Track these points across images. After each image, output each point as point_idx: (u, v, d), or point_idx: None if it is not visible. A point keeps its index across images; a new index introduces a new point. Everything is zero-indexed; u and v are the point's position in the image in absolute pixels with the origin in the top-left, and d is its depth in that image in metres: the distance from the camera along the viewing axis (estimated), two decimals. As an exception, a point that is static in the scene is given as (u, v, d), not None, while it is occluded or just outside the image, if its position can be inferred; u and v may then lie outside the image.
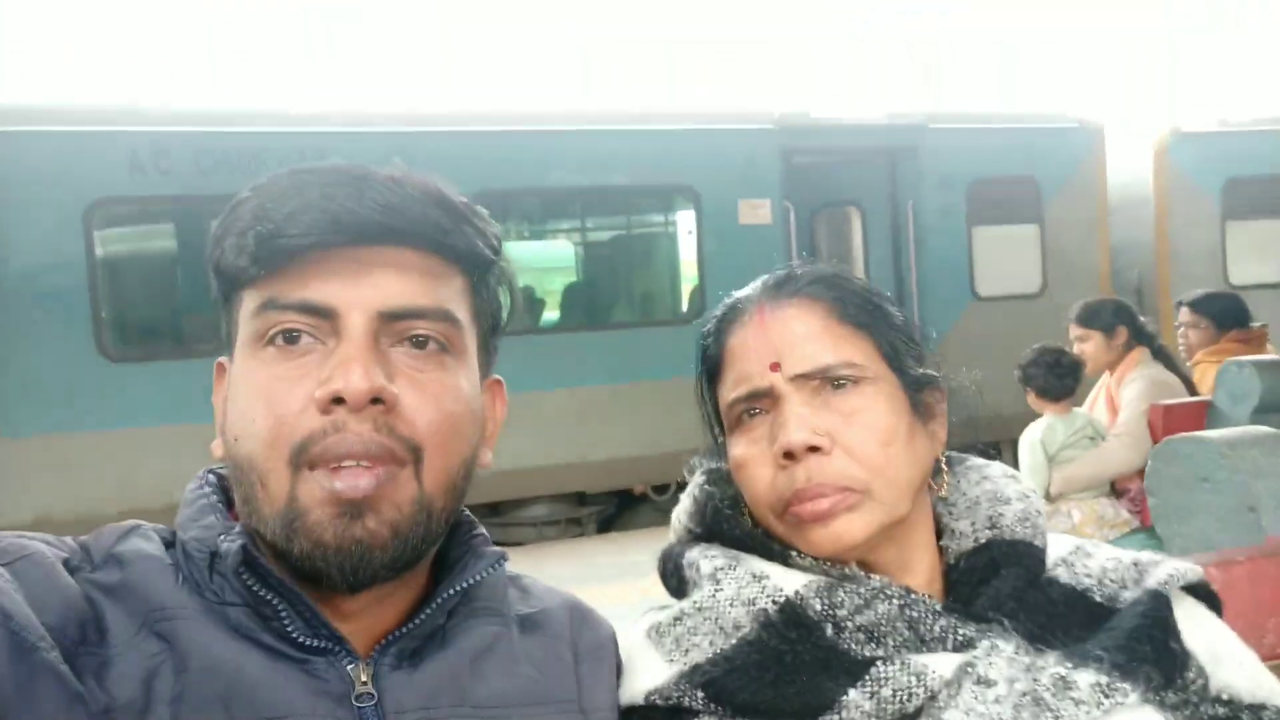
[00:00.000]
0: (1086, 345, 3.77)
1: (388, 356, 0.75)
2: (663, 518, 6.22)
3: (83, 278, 5.61)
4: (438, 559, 0.85)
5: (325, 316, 0.74)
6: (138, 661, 0.70)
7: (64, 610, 0.70)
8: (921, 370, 0.93)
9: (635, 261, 7.62)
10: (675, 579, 0.96)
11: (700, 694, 0.83)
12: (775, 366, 0.89)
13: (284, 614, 0.74)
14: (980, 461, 0.99)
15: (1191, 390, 3.70)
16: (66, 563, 0.74)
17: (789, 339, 0.90)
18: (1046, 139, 7.79)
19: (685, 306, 7.34)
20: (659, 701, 0.85)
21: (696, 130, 6.89)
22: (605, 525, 7.23)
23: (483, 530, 0.88)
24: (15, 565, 0.71)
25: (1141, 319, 3.87)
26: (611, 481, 6.96)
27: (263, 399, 0.74)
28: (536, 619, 0.88)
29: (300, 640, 0.74)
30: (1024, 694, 0.77)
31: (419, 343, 0.76)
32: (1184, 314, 4.17)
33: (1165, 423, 3.17)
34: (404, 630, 0.78)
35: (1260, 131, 8.50)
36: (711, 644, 0.86)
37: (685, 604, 0.91)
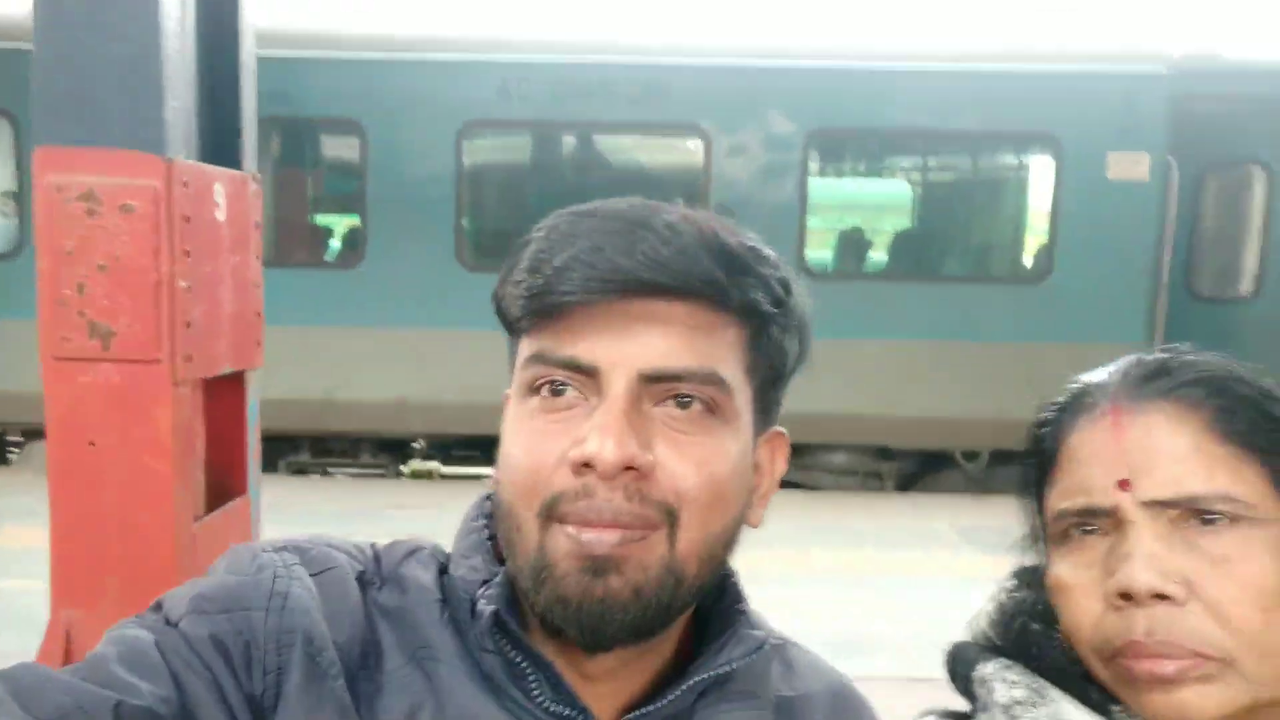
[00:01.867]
0: None
1: (649, 416, 0.72)
2: (968, 484, 5.94)
3: (450, 196, 6.25)
4: (697, 627, 0.81)
5: (589, 374, 0.72)
6: (405, 696, 0.73)
7: (353, 630, 0.74)
8: None
9: (976, 212, 7.07)
10: (963, 684, 0.84)
11: None
12: (1126, 484, 0.72)
13: (532, 678, 0.74)
14: None
15: None
16: (361, 576, 0.78)
17: (1150, 453, 0.73)
18: None
19: (1030, 265, 6.74)
20: None
21: (1064, 72, 6.16)
22: (906, 484, 6.98)
23: (747, 607, 0.82)
24: (322, 577, 0.75)
25: None
26: (919, 440, 6.68)
27: (523, 449, 0.74)
28: (796, 704, 0.83)
29: (545, 705, 0.74)
30: None
31: (683, 403, 0.73)
32: None
33: None
34: (649, 709, 0.76)
35: None
36: None
37: None
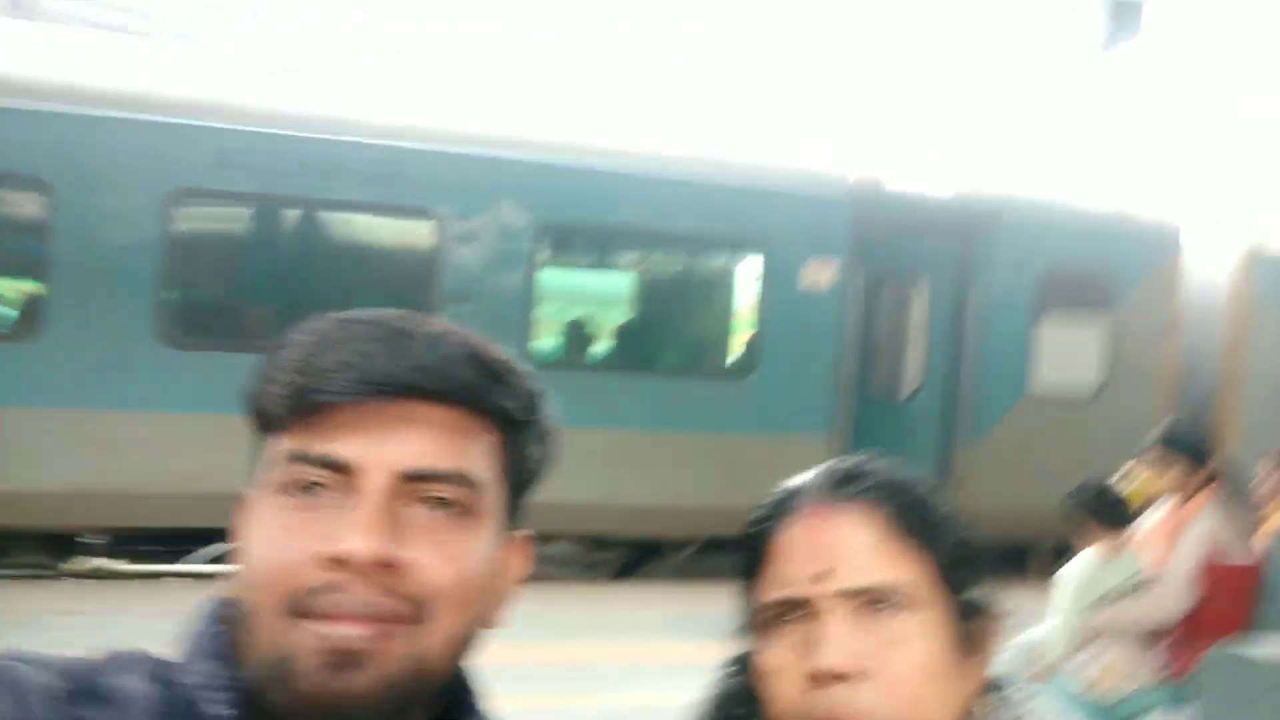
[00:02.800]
0: (1169, 470, 3.52)
1: (403, 515, 0.73)
2: (680, 572, 6.11)
3: (152, 265, 5.78)
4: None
5: (346, 472, 0.73)
6: None
7: None
8: (974, 594, 0.87)
9: (690, 310, 7.58)
10: None
11: None
12: (819, 577, 0.83)
13: None
14: (1019, 697, 0.93)
15: (1247, 541, 3.52)
16: (47, 689, 0.70)
17: (842, 548, 0.83)
18: (1125, 237, 7.62)
19: (735, 362, 7.28)
20: None
21: (771, 187, 6.85)
22: (622, 573, 7.15)
23: (480, 705, 0.83)
24: None
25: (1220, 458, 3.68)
26: (635, 529, 6.90)
27: (270, 545, 0.73)
28: None
29: None
30: None
31: (440, 504, 0.74)
32: (1267, 461, 3.90)
33: (1212, 580, 3.02)
34: None
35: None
36: None
37: None
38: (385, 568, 0.70)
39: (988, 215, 7.26)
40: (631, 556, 7.17)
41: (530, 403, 0.81)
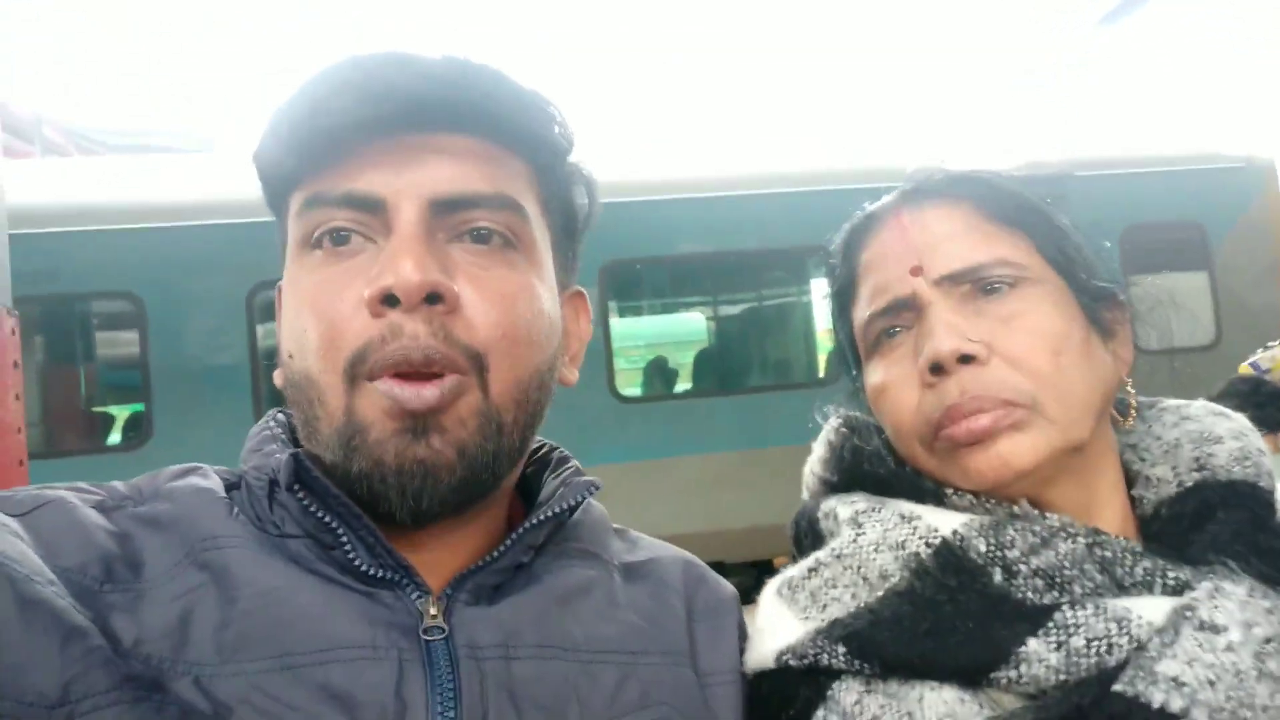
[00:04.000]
0: None
1: (446, 252, 0.67)
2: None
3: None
4: (527, 496, 0.77)
5: (373, 210, 0.66)
6: (176, 592, 0.64)
7: (84, 550, 0.64)
8: (1092, 282, 0.80)
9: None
10: (810, 536, 0.84)
11: (842, 649, 0.70)
12: (917, 270, 0.77)
13: (345, 541, 0.66)
14: (1177, 401, 0.85)
15: None
16: (101, 504, 0.69)
17: (931, 239, 0.78)
18: (1212, 179, 7.31)
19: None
20: (793, 662, 0.72)
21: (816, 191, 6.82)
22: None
23: (576, 464, 0.79)
24: (29, 515, 0.65)
25: None
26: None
27: (312, 307, 0.67)
28: (645, 568, 0.78)
29: (364, 570, 0.66)
30: (1266, 640, 0.61)
31: (481, 236, 0.68)
32: None
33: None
34: (483, 564, 0.69)
35: None
36: (854, 596, 0.73)
37: (822, 553, 0.78)
38: (436, 301, 0.65)
39: (1053, 183, 7.07)
40: (754, 578, 7.01)
41: (564, 131, 0.74)
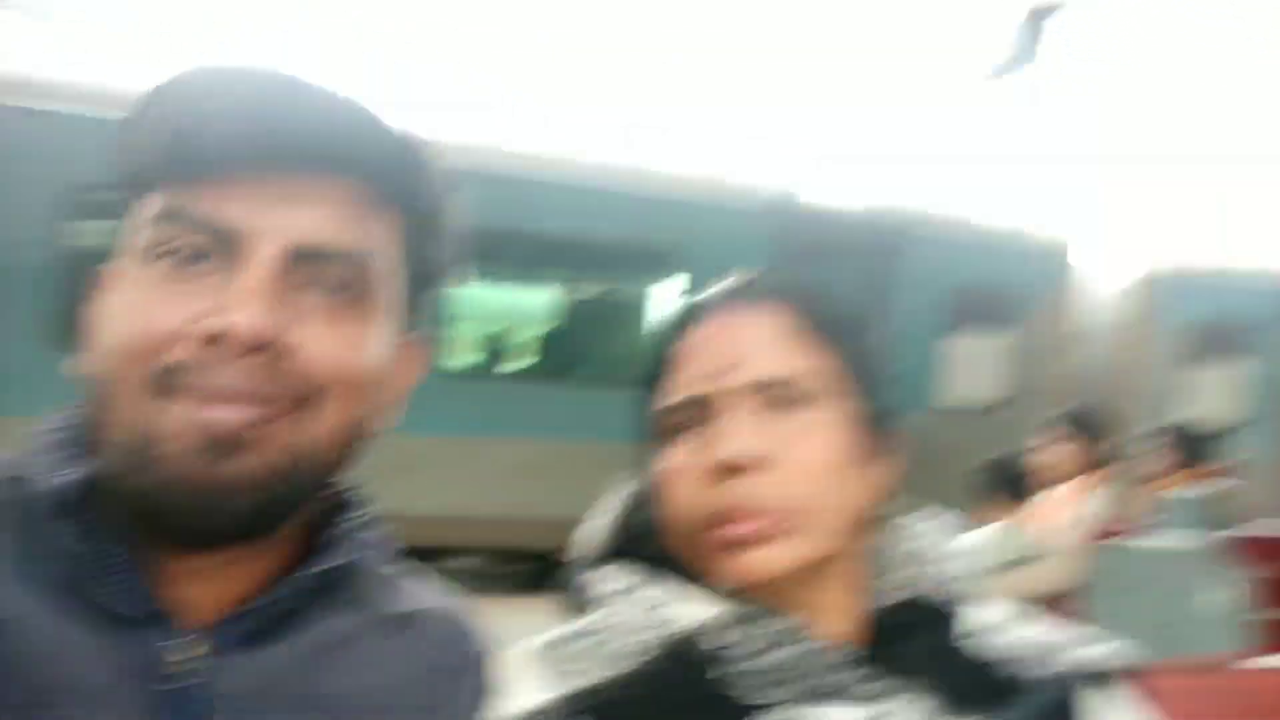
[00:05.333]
0: (1062, 449, 3.73)
1: (296, 298, 0.66)
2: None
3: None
4: (310, 539, 0.76)
5: (229, 241, 0.65)
6: None
7: None
8: (880, 401, 0.86)
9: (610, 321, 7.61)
10: (580, 594, 0.89)
11: (586, 718, 0.77)
12: (723, 373, 0.82)
13: (101, 573, 0.64)
14: (916, 517, 0.93)
15: (1142, 517, 3.70)
16: None
17: (743, 344, 0.82)
18: (1026, 256, 7.96)
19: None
20: None
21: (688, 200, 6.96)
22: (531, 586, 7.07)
23: (370, 512, 0.79)
24: None
25: (1116, 438, 3.87)
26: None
27: (135, 315, 0.65)
28: (408, 619, 0.80)
29: (116, 609, 0.64)
30: None
31: (333, 288, 0.68)
32: (1151, 440, 4.17)
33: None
34: (253, 607, 0.69)
35: (1224, 278, 8.75)
36: (602, 669, 0.80)
37: (583, 622, 0.84)
38: (269, 350, 0.64)
39: (901, 233, 7.51)
40: (539, 569, 7.10)
41: (439, 188, 0.75)
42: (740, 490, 0.78)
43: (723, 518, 0.79)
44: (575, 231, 6.78)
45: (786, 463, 0.79)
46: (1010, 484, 3.61)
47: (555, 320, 7.44)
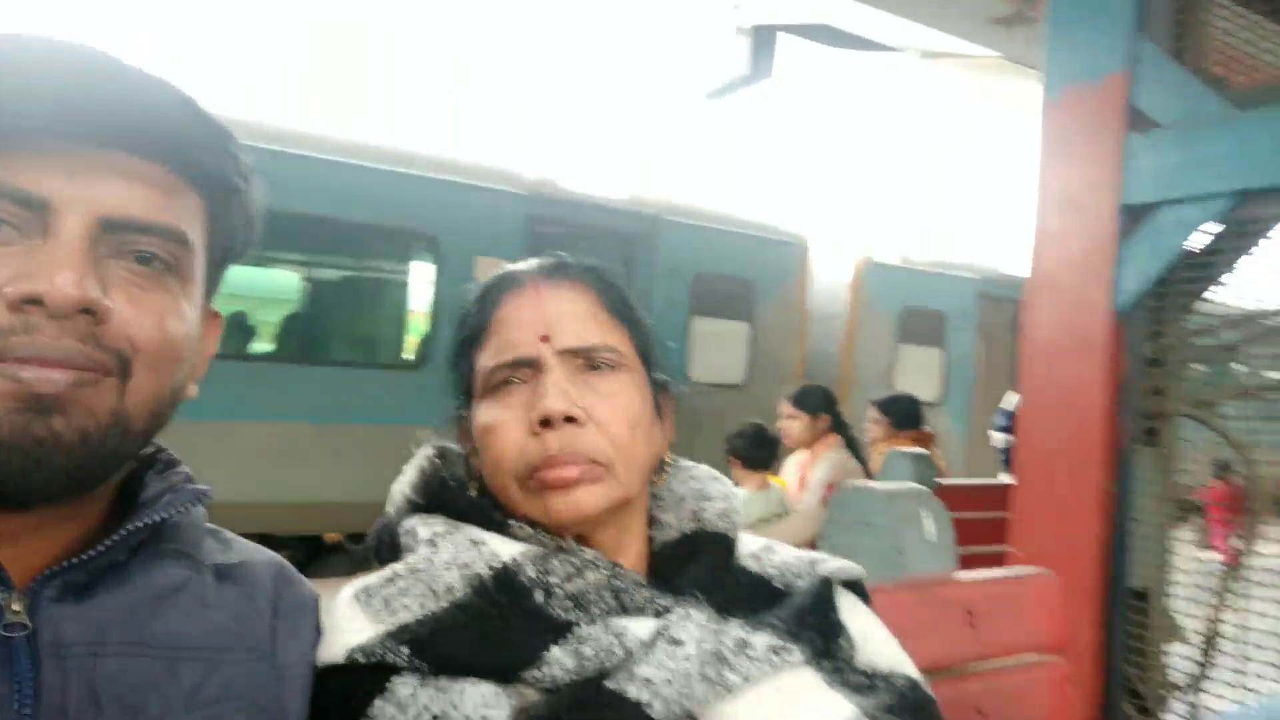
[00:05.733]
0: (793, 423, 4.17)
1: (105, 267, 0.68)
2: (354, 568, 5.95)
3: None
4: (127, 495, 0.78)
5: (38, 211, 0.66)
6: None
7: None
8: (661, 374, 1.01)
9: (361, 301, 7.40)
10: (390, 548, 0.95)
11: (406, 650, 0.83)
12: (545, 339, 0.93)
13: None
14: (689, 463, 1.08)
15: (869, 475, 4.18)
16: None
17: (561, 315, 0.94)
18: (765, 247, 8.59)
19: (413, 354, 7.22)
20: (361, 659, 0.83)
21: (443, 180, 6.91)
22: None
23: (186, 469, 0.82)
24: None
25: (840, 410, 4.34)
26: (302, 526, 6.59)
27: None
28: (236, 570, 0.83)
29: None
30: (710, 652, 0.84)
31: (144, 259, 0.70)
32: (872, 411, 4.74)
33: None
34: (75, 561, 0.70)
35: (932, 271, 9.90)
36: (422, 605, 0.86)
37: (399, 566, 0.90)
38: (85, 315, 0.66)
39: (648, 221, 7.86)
40: (305, 553, 6.83)
41: (241, 170, 0.78)
42: (562, 440, 0.89)
43: (549, 463, 0.89)
44: (328, 211, 6.54)
45: (602, 417, 0.91)
46: (757, 451, 3.97)
47: (304, 301, 7.14)
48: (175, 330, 0.72)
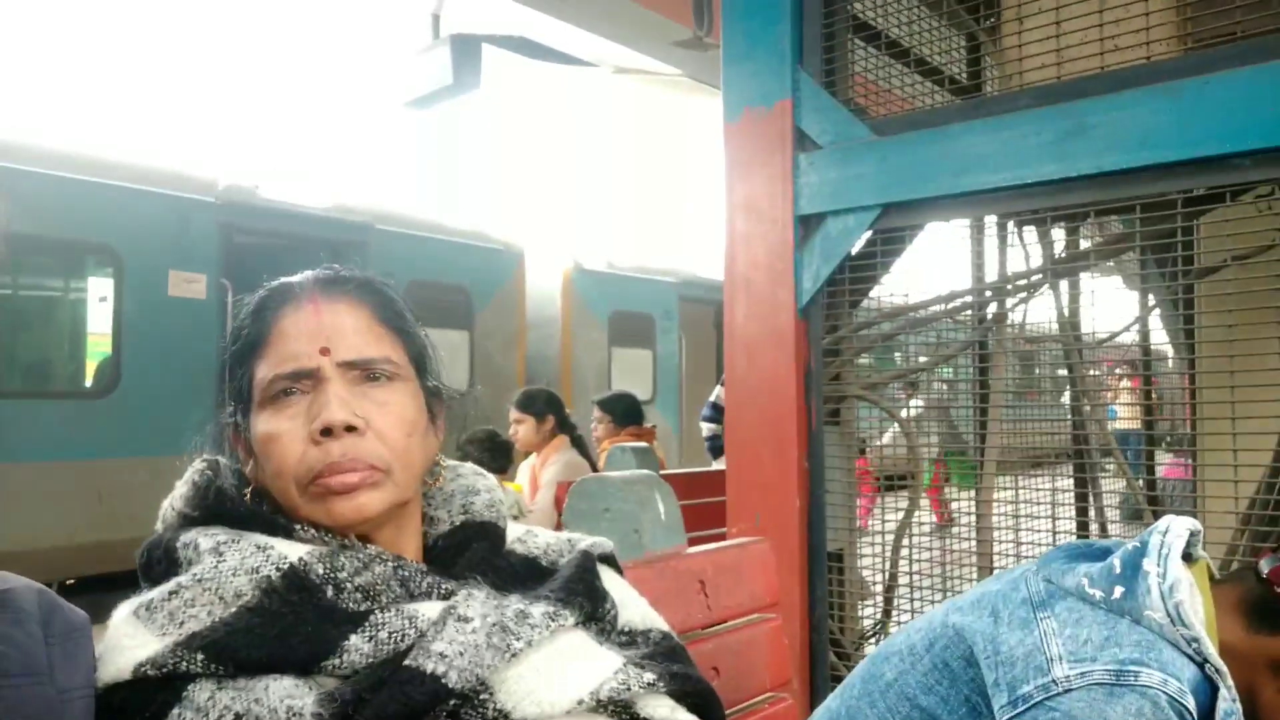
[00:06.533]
0: (520, 427, 4.29)
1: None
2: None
3: None
4: None
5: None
6: None
7: None
8: (434, 381, 1.08)
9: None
10: (165, 564, 0.95)
11: (200, 656, 0.84)
12: (325, 351, 0.97)
13: None
14: (454, 463, 1.16)
15: (595, 471, 4.39)
16: None
17: (340, 329, 0.99)
18: (480, 255, 8.65)
19: (92, 380, 6.52)
20: (150, 671, 0.83)
21: (124, 188, 6.31)
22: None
23: None
24: None
25: (566, 411, 4.51)
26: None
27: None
28: (2, 596, 0.82)
29: None
30: (494, 624, 0.92)
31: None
32: (596, 410, 4.97)
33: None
34: None
35: (638, 276, 10.46)
36: (210, 613, 0.87)
37: (182, 579, 0.91)
38: (354, 432, 0.91)
39: (359, 230, 7.65)
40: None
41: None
42: (345, 448, 0.95)
43: (331, 470, 0.94)
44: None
45: (380, 425, 0.98)
46: (492, 457, 4.05)
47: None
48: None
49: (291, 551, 0.92)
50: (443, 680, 0.86)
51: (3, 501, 5.67)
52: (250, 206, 6.95)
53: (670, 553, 1.62)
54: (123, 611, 0.90)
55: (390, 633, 0.89)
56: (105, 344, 6.43)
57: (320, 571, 0.91)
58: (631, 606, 1.12)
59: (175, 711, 0.83)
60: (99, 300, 6.49)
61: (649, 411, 8.60)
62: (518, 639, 0.92)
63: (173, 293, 6.51)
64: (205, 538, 0.94)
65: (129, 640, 0.86)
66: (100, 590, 5.85)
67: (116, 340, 6.34)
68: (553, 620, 0.96)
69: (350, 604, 0.91)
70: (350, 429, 0.95)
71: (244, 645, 0.85)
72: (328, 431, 0.94)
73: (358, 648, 0.88)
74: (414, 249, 8.06)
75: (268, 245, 7.45)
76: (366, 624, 0.89)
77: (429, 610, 0.92)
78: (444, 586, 0.97)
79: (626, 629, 1.08)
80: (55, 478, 5.92)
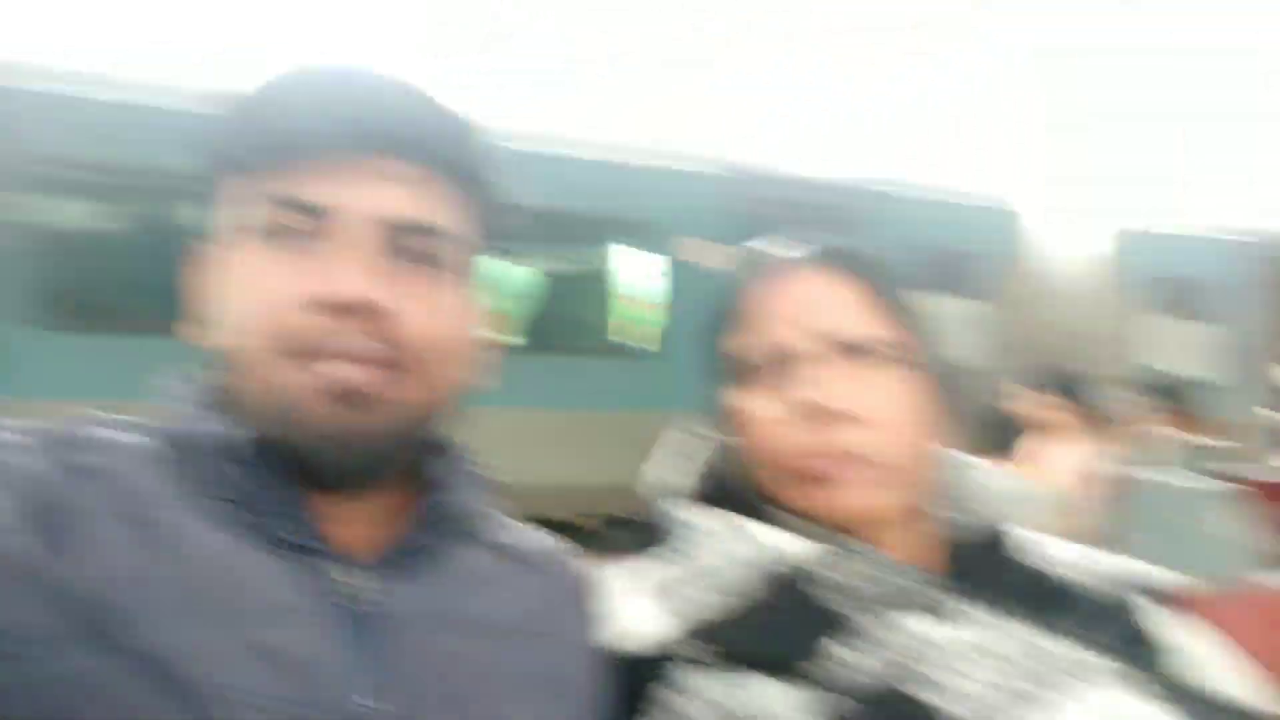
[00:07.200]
0: (1046, 403, 3.90)
1: (390, 265, 0.73)
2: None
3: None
4: (417, 478, 0.82)
5: (326, 219, 0.72)
6: (116, 544, 0.66)
7: (25, 492, 0.66)
8: (938, 361, 0.95)
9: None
10: (663, 537, 0.94)
11: (703, 644, 0.83)
12: (812, 328, 0.89)
13: (275, 512, 0.72)
14: (967, 457, 1.02)
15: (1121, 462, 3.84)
16: (35, 446, 0.70)
17: (834, 304, 0.90)
18: (985, 217, 8.09)
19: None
20: (660, 652, 0.84)
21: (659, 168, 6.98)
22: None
23: (462, 451, 0.86)
24: None
25: (1084, 388, 4.01)
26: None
27: (253, 289, 0.72)
28: (528, 555, 0.87)
29: (285, 538, 0.72)
30: (1003, 658, 0.80)
31: (422, 256, 0.75)
32: (1118, 389, 4.33)
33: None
34: (409, 543, 0.77)
35: (1191, 238, 8.95)
36: (718, 601, 0.86)
37: (696, 562, 0.90)
38: (376, 315, 0.71)
39: (874, 202, 7.57)
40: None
41: (495, 168, 0.82)
42: (835, 435, 0.86)
43: (814, 454, 0.86)
44: (552, 204, 6.77)
45: (878, 416, 0.87)
46: (995, 434, 3.75)
47: (540, 293, 7.43)
48: (451, 327, 0.77)
49: (791, 548, 0.87)
50: None
51: (578, 443, 6.64)
52: (758, 182, 7.26)
53: (1238, 584, 1.28)
54: (639, 582, 0.91)
55: (891, 651, 0.80)
56: (659, 312, 7.19)
57: (822, 574, 0.86)
58: (1204, 661, 0.89)
59: (676, 696, 0.82)
60: (656, 273, 7.27)
61: (1209, 396, 7.38)
62: (1047, 686, 0.78)
63: (701, 263, 7.06)
64: (714, 520, 0.92)
65: (648, 615, 0.87)
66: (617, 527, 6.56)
67: (667, 308, 7.05)
68: (1087, 667, 0.80)
69: (847, 610, 0.84)
70: (846, 415, 0.86)
71: (741, 640, 0.83)
72: (821, 414, 0.86)
73: (849, 660, 0.80)
74: (919, 219, 7.78)
75: (778, 221, 7.66)
76: (862, 635, 0.82)
77: (929, 628, 0.82)
78: (951, 604, 0.85)
79: (1193, 692, 0.86)
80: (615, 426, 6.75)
